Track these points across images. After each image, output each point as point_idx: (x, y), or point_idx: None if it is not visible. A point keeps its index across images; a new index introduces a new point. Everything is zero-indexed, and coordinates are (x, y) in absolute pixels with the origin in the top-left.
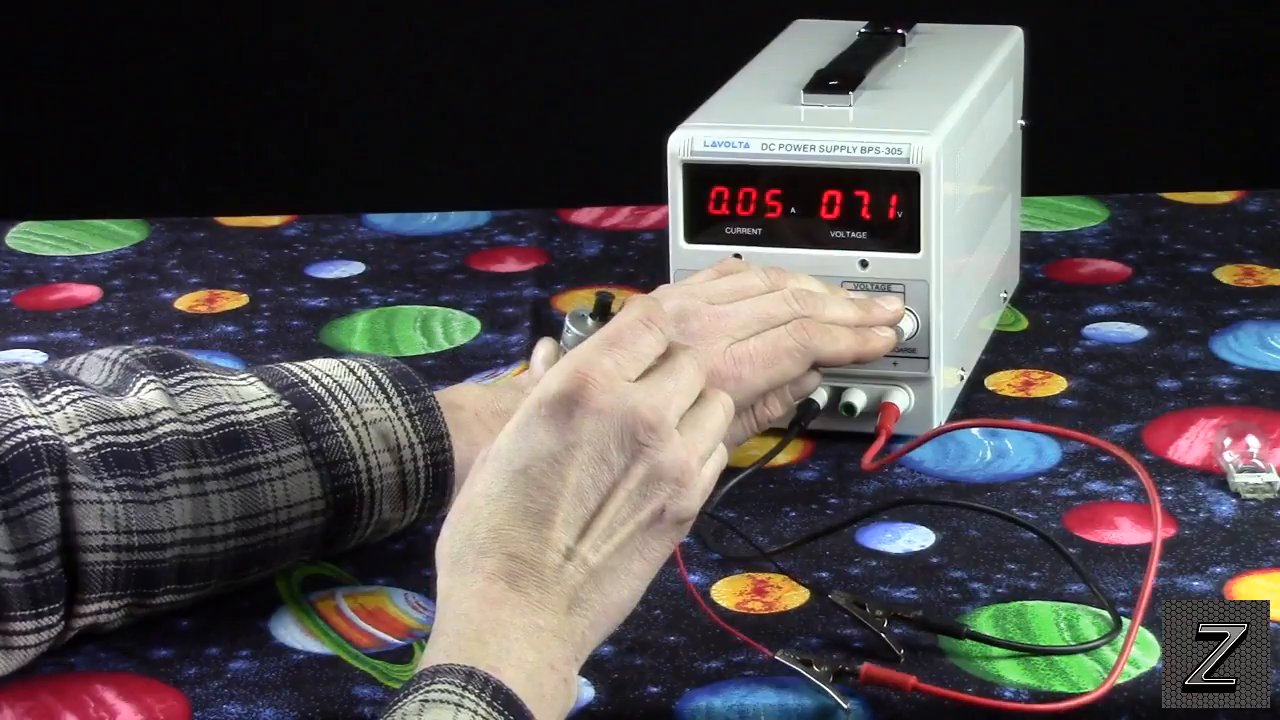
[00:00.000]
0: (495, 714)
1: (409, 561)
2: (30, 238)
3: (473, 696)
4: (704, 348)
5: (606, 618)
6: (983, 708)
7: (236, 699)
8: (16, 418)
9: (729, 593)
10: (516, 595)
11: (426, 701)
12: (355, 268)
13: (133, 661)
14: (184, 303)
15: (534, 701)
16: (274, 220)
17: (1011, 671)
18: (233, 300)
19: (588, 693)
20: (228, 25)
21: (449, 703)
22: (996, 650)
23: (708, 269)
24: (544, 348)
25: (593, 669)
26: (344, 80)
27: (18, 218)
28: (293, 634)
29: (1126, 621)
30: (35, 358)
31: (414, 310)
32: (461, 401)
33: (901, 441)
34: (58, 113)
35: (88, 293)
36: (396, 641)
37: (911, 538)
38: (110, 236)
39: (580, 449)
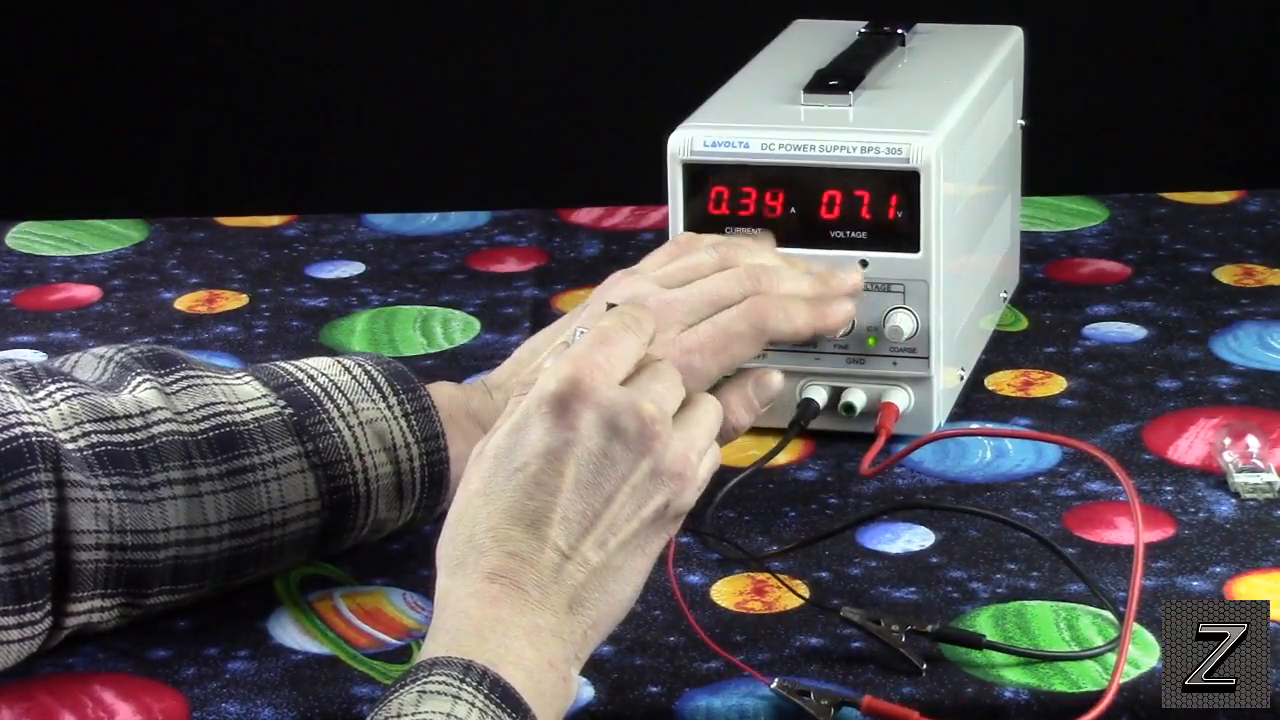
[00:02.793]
0: (493, 706)
1: (407, 561)
2: (30, 238)
3: (470, 688)
4: (656, 338)
5: (609, 616)
6: None
7: (235, 699)
8: (9, 413)
9: (729, 593)
10: (516, 594)
11: (424, 693)
12: (355, 268)
13: (131, 661)
14: (184, 303)
15: (533, 698)
16: (274, 220)
17: (1012, 672)
18: (233, 300)
19: (588, 692)
20: (228, 25)
21: (446, 694)
22: (997, 652)
23: (662, 247)
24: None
25: (593, 669)
26: (344, 80)
27: (18, 218)
28: (291, 634)
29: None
30: (35, 358)
31: (414, 310)
32: (437, 402)
33: (901, 441)
34: (58, 113)
35: (88, 293)
36: (395, 641)
37: (911, 538)
38: (110, 236)
39: (579, 445)
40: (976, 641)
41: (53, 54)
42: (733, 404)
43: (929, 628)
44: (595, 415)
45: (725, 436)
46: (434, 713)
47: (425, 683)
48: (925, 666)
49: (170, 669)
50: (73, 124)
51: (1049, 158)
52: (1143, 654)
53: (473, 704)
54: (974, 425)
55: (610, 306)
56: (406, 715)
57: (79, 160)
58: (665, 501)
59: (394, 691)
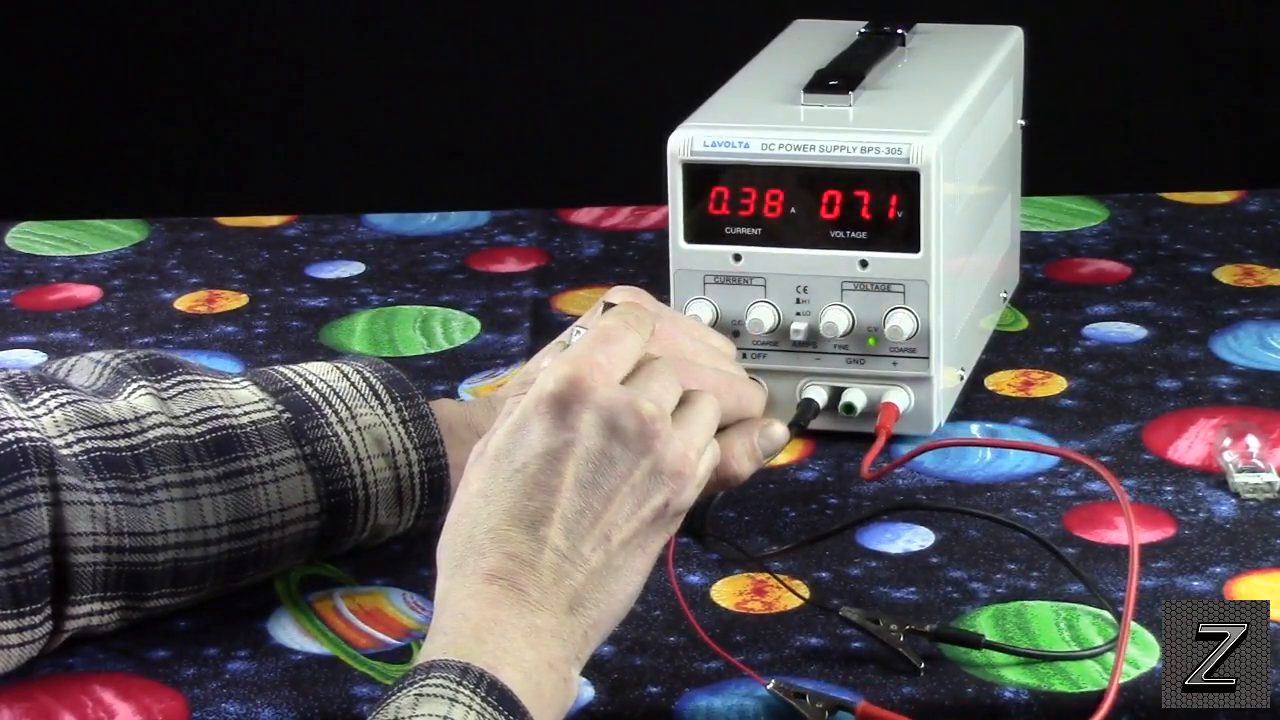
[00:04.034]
0: (490, 709)
1: (407, 562)
2: (30, 238)
3: (467, 691)
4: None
5: (610, 615)
6: None
7: (235, 699)
8: (3, 419)
9: (729, 593)
10: (515, 595)
11: (421, 695)
12: (355, 268)
13: (131, 662)
14: (184, 303)
15: (531, 699)
16: (274, 220)
17: (1012, 672)
18: (233, 300)
19: (588, 692)
20: (227, 25)
21: (443, 697)
22: (997, 652)
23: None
24: (549, 354)
25: (593, 669)
26: (344, 80)
27: (18, 218)
28: (291, 634)
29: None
30: (35, 358)
31: (414, 310)
32: (437, 414)
33: (901, 441)
34: (58, 113)
35: (88, 293)
36: (395, 642)
37: (911, 538)
38: (110, 236)
39: (579, 445)
40: (975, 641)
41: (53, 54)
42: (736, 452)
43: (927, 627)
44: (595, 415)
45: (726, 484)
46: (431, 715)
47: (422, 685)
48: (924, 666)
49: (170, 669)
50: (73, 124)
51: (1049, 158)
52: (1143, 654)
53: (469, 706)
54: (973, 427)
55: (608, 306)
56: (404, 718)
57: (79, 160)
58: (665, 501)
59: (392, 694)
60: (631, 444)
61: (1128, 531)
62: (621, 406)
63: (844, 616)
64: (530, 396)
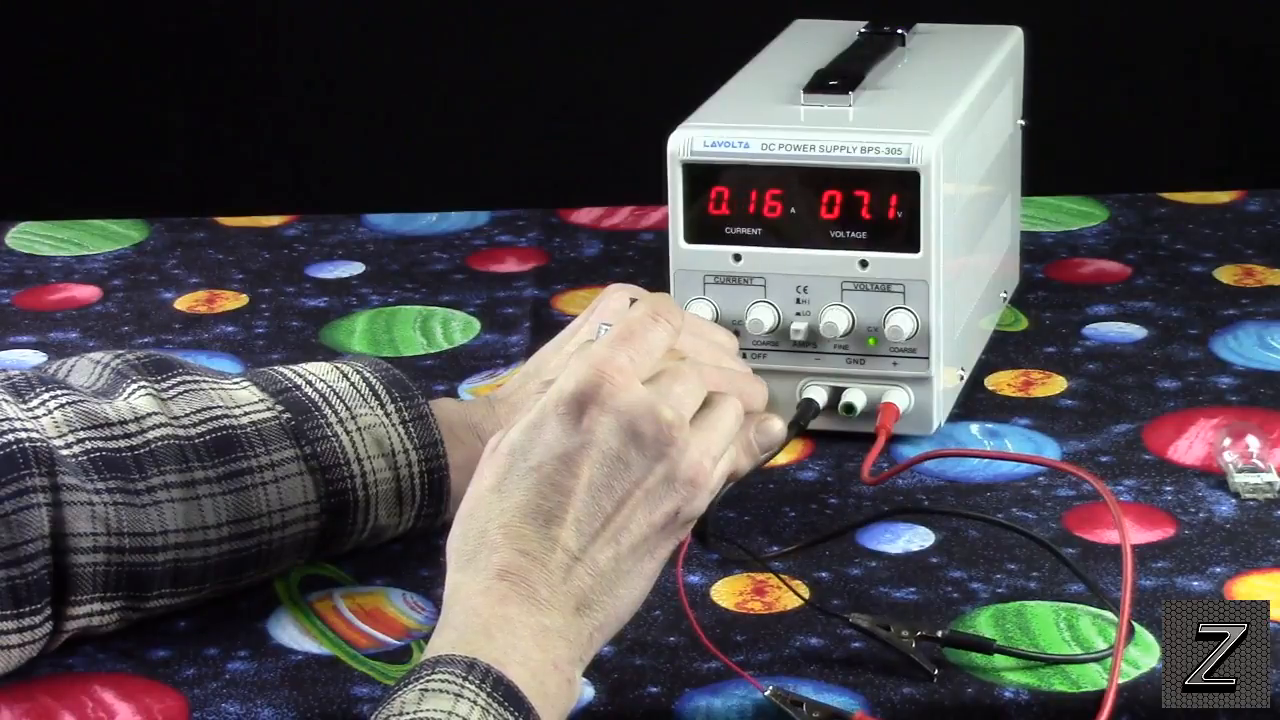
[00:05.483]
0: (495, 705)
1: (407, 562)
2: (30, 238)
3: (473, 687)
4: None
5: (615, 619)
6: None
7: (235, 699)
8: (3, 420)
9: (728, 593)
10: (525, 592)
11: (426, 690)
12: (355, 268)
13: (131, 662)
14: (184, 303)
15: (536, 699)
16: (274, 220)
17: (1012, 673)
18: (232, 300)
19: (588, 692)
20: (228, 25)
21: (449, 692)
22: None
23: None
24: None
25: (593, 669)
26: (344, 80)
27: (18, 218)
28: (291, 634)
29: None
30: (35, 358)
31: (414, 310)
32: (437, 414)
33: (901, 441)
34: (58, 113)
35: (87, 293)
36: (395, 642)
37: (911, 538)
38: (110, 236)
39: (595, 447)
40: (987, 647)
41: (52, 54)
42: (732, 448)
43: (939, 633)
44: (612, 419)
45: (722, 479)
46: (436, 710)
47: (428, 680)
48: (937, 672)
49: (170, 669)
50: (73, 124)
51: (1049, 158)
52: (1143, 654)
53: (474, 702)
54: (974, 427)
55: (634, 301)
56: (408, 713)
57: (79, 160)
58: (676, 508)
59: (397, 689)
60: (647, 449)
61: (1121, 540)
62: (640, 411)
63: (854, 624)
64: (549, 395)
